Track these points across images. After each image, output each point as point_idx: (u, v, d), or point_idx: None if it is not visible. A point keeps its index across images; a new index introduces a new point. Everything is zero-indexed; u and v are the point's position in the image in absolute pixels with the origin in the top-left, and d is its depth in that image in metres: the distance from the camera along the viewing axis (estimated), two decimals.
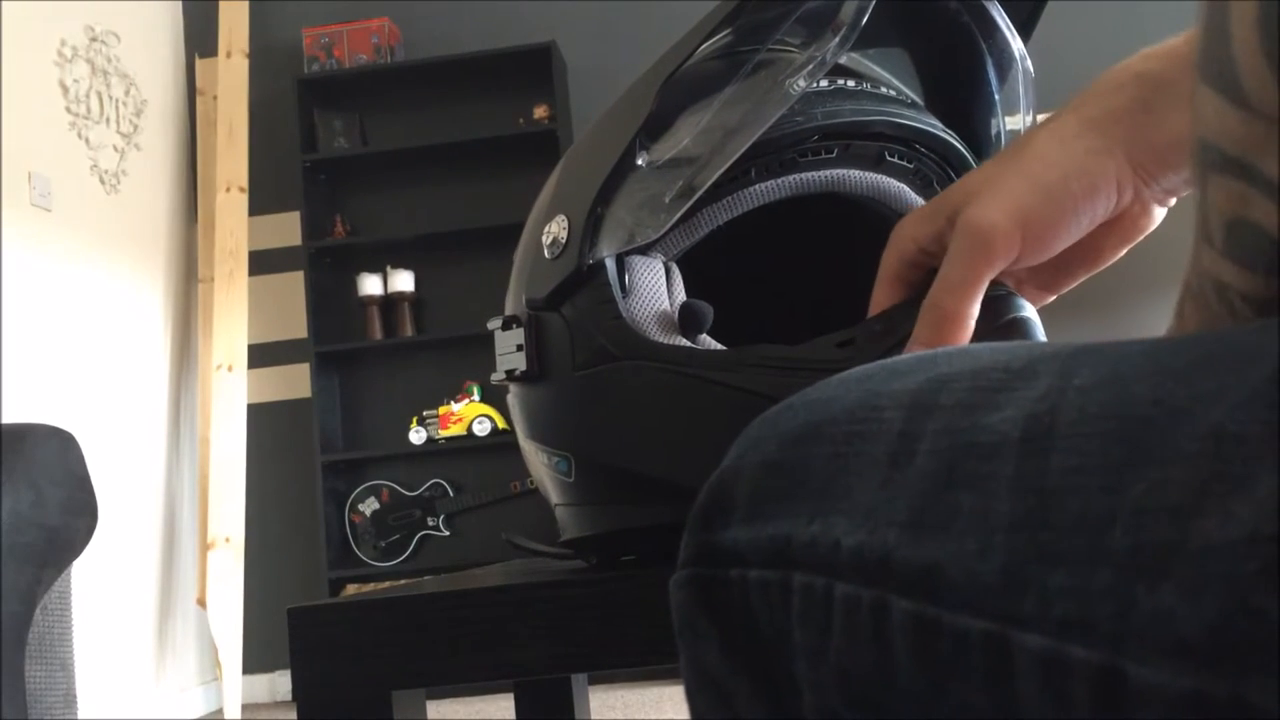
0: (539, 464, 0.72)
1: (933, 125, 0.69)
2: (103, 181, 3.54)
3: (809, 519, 0.31)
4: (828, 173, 0.68)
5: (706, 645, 0.36)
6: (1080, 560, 0.23)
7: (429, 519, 3.89)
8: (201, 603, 3.65)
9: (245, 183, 3.88)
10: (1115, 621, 0.22)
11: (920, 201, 0.71)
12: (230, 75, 3.91)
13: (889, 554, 0.28)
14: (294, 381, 4.02)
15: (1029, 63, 0.71)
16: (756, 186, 0.67)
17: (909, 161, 0.69)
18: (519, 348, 0.69)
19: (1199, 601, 0.21)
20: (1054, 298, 0.62)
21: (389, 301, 3.95)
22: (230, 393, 3.71)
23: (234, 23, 3.96)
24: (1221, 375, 0.23)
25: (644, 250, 0.67)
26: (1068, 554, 0.24)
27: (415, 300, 3.99)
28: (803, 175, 0.67)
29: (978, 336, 0.53)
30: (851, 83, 0.68)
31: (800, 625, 0.31)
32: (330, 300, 3.96)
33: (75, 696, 1.39)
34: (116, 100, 3.66)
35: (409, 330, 3.94)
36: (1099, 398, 0.26)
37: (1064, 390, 0.27)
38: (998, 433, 0.27)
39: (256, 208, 4.01)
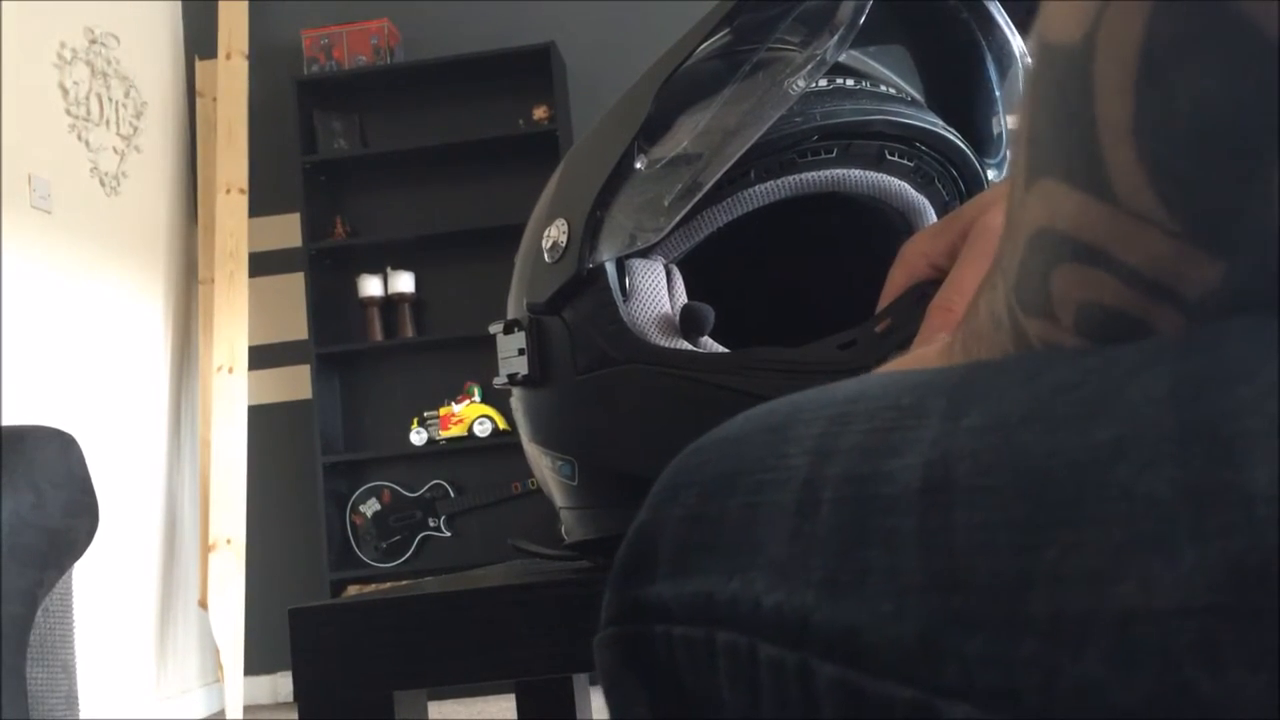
0: (543, 467, 0.72)
1: (933, 123, 0.69)
2: (103, 184, 3.54)
3: (729, 575, 0.31)
4: (828, 172, 0.68)
5: (636, 706, 0.35)
6: (999, 627, 0.23)
7: (430, 520, 3.89)
8: (203, 604, 3.65)
9: (245, 184, 3.88)
10: (1042, 692, 0.22)
11: (921, 200, 0.71)
12: (230, 77, 3.91)
13: (808, 616, 0.28)
14: (295, 383, 4.02)
15: (1030, 60, 0.71)
16: (756, 187, 0.67)
17: (910, 160, 0.69)
18: (521, 352, 0.69)
19: (1129, 673, 0.21)
20: None
21: (389, 302, 3.95)
22: (231, 394, 3.71)
23: (233, 24, 3.96)
24: (1115, 425, 0.23)
25: (644, 253, 0.67)
26: (986, 620, 0.23)
27: (416, 301, 3.99)
28: (803, 175, 0.67)
29: None
30: (851, 81, 0.68)
31: (729, 686, 0.31)
32: (331, 302, 3.96)
33: (77, 698, 1.39)
34: (116, 102, 3.66)
35: (409, 331, 3.94)
36: (990, 444, 0.25)
37: (954, 434, 0.27)
38: (897, 482, 0.27)
39: (256, 209, 4.01)
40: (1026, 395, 0.26)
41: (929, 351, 0.43)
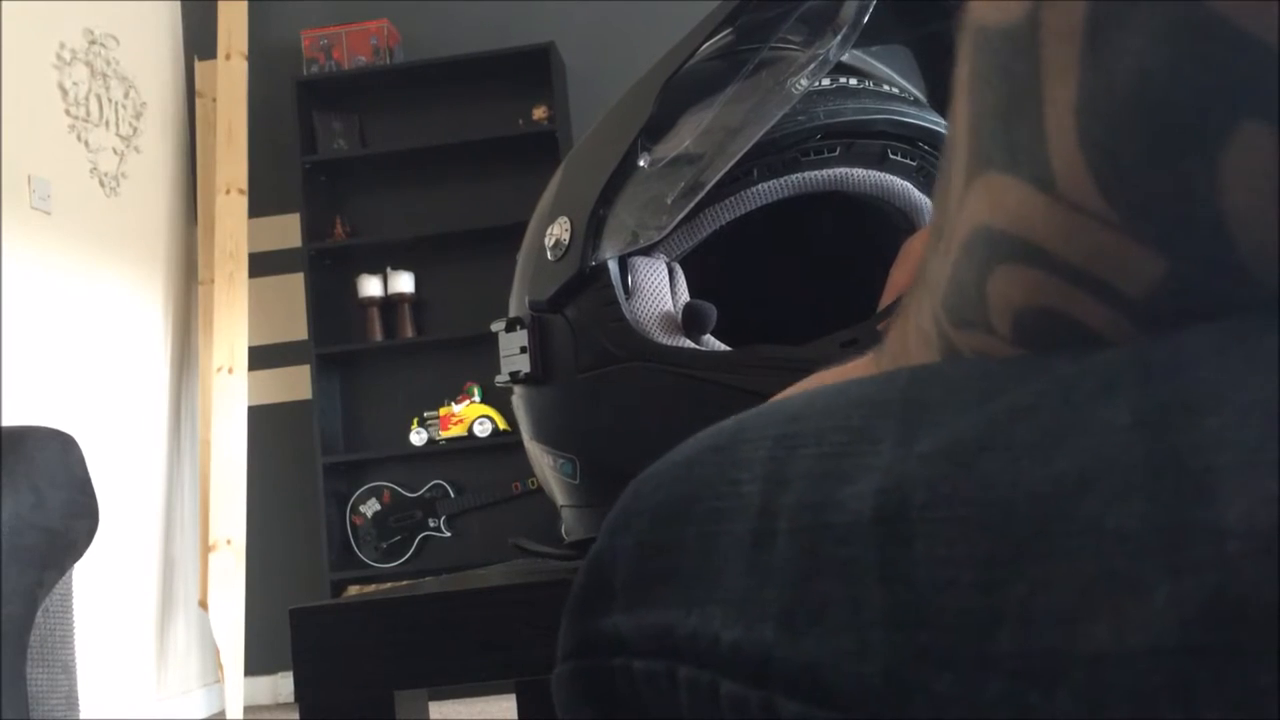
0: (544, 466, 0.72)
1: (936, 122, 0.69)
2: (102, 184, 3.54)
3: (687, 608, 0.30)
4: (831, 171, 0.68)
5: None
6: (968, 665, 0.22)
7: (430, 520, 3.89)
8: (203, 605, 3.65)
9: (245, 185, 3.87)
10: None
11: (924, 199, 0.71)
12: (229, 77, 3.91)
13: (769, 653, 0.27)
14: (295, 383, 4.02)
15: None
16: (759, 186, 0.67)
17: (912, 159, 0.69)
18: (523, 350, 0.69)
19: (1102, 713, 0.20)
20: None
21: (389, 303, 3.95)
22: (231, 395, 3.71)
23: (233, 25, 3.96)
24: (1079, 456, 0.22)
25: (647, 251, 0.67)
26: (953, 658, 0.23)
27: (415, 301, 3.99)
28: (805, 174, 0.67)
29: None
30: (854, 81, 0.68)
31: None
32: (330, 302, 3.96)
33: (77, 699, 1.39)
34: (116, 103, 3.66)
35: (409, 331, 3.94)
36: (946, 472, 0.24)
37: (906, 460, 0.26)
38: (850, 511, 0.26)
39: (256, 210, 4.00)
40: (981, 420, 0.25)
41: (854, 368, 0.42)
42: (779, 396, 0.34)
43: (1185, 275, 0.24)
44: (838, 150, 0.67)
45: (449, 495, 3.89)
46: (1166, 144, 0.23)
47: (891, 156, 0.68)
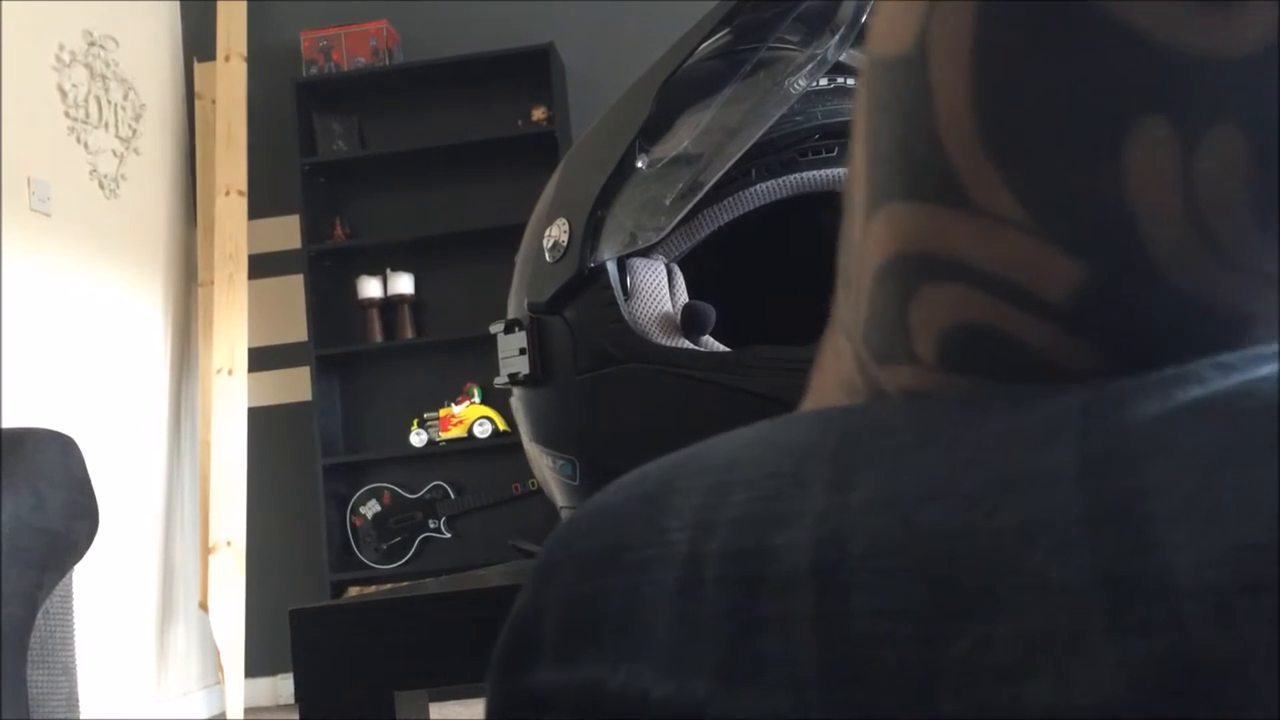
0: (544, 467, 0.72)
1: None
2: (102, 186, 3.54)
3: (615, 662, 0.28)
4: (829, 172, 0.68)
5: None
6: None
7: (430, 521, 3.89)
8: (203, 606, 3.65)
9: (244, 186, 3.88)
10: None
11: None
12: (228, 79, 3.91)
13: (702, 710, 0.26)
14: (294, 385, 4.02)
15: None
16: (757, 187, 0.67)
17: None
18: (522, 351, 0.69)
19: None
20: None
21: (389, 304, 3.95)
22: (231, 396, 3.71)
23: (232, 26, 3.96)
24: (1022, 504, 0.22)
25: (645, 252, 0.67)
26: (892, 715, 0.22)
27: (415, 303, 3.99)
28: (804, 175, 0.67)
29: None
30: (852, 80, 0.68)
31: None
32: (330, 303, 3.96)
33: (77, 700, 1.39)
34: (115, 105, 3.66)
35: (409, 333, 3.94)
36: (886, 523, 0.24)
37: (843, 508, 0.25)
38: (786, 562, 0.25)
39: (256, 211, 4.01)
40: (921, 469, 0.24)
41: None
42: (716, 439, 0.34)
43: (1103, 280, 0.24)
44: (836, 150, 0.67)
45: (449, 496, 3.89)
46: (1071, 144, 0.23)
47: None
